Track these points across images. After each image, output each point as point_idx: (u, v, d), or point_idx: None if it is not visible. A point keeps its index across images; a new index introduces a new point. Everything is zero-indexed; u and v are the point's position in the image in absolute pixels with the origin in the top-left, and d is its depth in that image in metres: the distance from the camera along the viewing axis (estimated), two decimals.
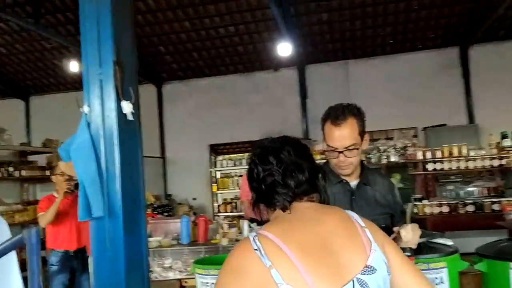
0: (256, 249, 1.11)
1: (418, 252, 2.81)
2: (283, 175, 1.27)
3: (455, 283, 2.79)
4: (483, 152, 6.27)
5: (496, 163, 6.11)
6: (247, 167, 1.42)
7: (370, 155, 7.80)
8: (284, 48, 8.61)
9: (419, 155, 6.37)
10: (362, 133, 1.97)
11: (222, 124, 11.05)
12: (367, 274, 1.16)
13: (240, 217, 7.51)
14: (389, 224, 1.98)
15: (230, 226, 5.69)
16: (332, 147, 1.92)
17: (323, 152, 8.26)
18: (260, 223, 6.17)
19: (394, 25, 9.69)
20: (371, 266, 1.17)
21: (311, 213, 1.26)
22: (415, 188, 7.26)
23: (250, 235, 1.18)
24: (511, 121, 7.16)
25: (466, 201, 6.22)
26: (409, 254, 1.70)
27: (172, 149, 11.46)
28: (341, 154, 1.90)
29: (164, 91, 11.68)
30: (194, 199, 10.99)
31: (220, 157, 9.02)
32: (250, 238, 1.17)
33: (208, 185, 11.16)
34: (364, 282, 1.14)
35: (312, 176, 1.30)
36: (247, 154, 9.40)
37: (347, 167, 1.94)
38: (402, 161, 7.49)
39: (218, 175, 10.10)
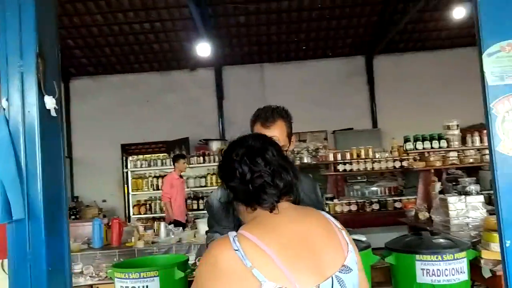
0: (236, 250, 1.12)
1: None
2: (272, 176, 1.26)
3: (368, 276, 2.99)
4: (386, 154, 6.79)
5: (398, 164, 6.66)
6: (221, 164, 1.38)
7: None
8: (203, 49, 8.57)
9: (331, 157, 6.72)
10: (289, 135, 2.03)
11: (135, 123, 10.67)
12: (344, 273, 1.21)
13: (156, 219, 7.32)
14: None
15: (146, 228, 5.52)
16: None
17: None
18: (185, 226, 6.06)
19: (307, 32, 10.12)
20: (347, 266, 1.23)
21: (291, 213, 1.28)
22: (326, 188, 7.66)
23: (230, 235, 1.18)
24: (409, 126, 7.83)
25: (372, 200, 6.70)
26: None
27: (80, 148, 10.80)
28: None
29: (71, 87, 10.97)
30: (104, 201, 10.49)
31: (134, 157, 8.69)
32: (230, 238, 1.16)
33: (120, 186, 10.72)
34: (341, 280, 1.20)
35: (294, 177, 1.32)
36: (163, 154, 9.18)
37: None
38: (314, 162, 7.85)
39: (131, 176, 9.73)
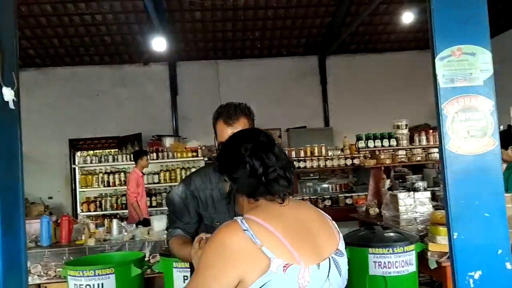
0: (245, 230, 1.21)
1: None
2: (284, 169, 1.36)
3: None
4: (338, 152, 7.00)
5: (349, 162, 6.88)
6: (223, 156, 1.47)
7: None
8: (158, 43, 8.42)
9: None
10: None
11: (84, 118, 10.31)
12: (339, 256, 1.37)
13: (107, 216, 7.13)
14: None
15: (98, 225, 5.36)
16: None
17: (195, 150, 8.31)
18: (145, 224, 5.88)
19: (263, 30, 10.20)
20: (340, 250, 1.40)
21: (290, 202, 1.39)
22: None
23: (237, 219, 1.26)
24: (360, 125, 8.11)
25: (324, 196, 6.88)
26: None
27: (25, 143, 10.16)
28: None
29: None
30: (50, 197, 10.07)
31: (83, 153, 8.38)
32: (238, 221, 1.24)
33: (67, 182, 10.34)
34: (337, 261, 1.35)
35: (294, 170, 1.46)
36: (114, 150, 8.92)
37: None
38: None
39: (80, 172, 9.39)
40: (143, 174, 6.57)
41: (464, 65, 2.07)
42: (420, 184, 4.45)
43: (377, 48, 11.14)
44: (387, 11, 9.72)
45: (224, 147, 1.48)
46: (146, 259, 3.94)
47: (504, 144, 3.76)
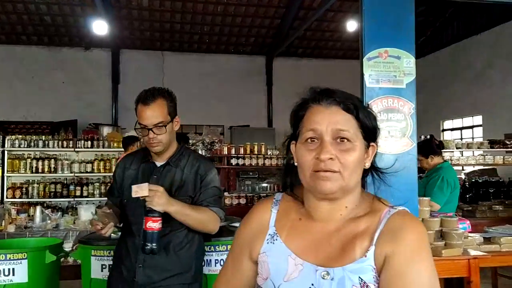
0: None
1: (219, 235, 3.03)
2: None
3: None
4: (277, 152, 7.06)
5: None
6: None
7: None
8: (99, 26, 8.10)
9: (225, 151, 6.79)
10: (172, 114, 2.08)
11: (17, 100, 9.75)
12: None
13: (33, 204, 6.75)
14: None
15: (19, 212, 5.07)
16: (143, 124, 2.00)
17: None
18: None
19: (212, 25, 10.13)
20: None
21: None
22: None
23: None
24: None
25: (260, 195, 6.92)
26: (157, 215, 1.82)
27: None
28: (150, 131, 1.98)
29: None
30: None
31: (12, 136, 7.86)
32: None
33: None
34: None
35: None
36: (45, 136, 8.45)
37: (157, 144, 2.01)
38: (209, 155, 7.87)
39: (7, 156, 8.81)
40: None
41: (389, 67, 2.15)
42: None
43: (322, 54, 11.42)
44: (334, 19, 9.99)
45: None
46: (69, 249, 3.77)
47: (425, 153, 3.97)
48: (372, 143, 1.03)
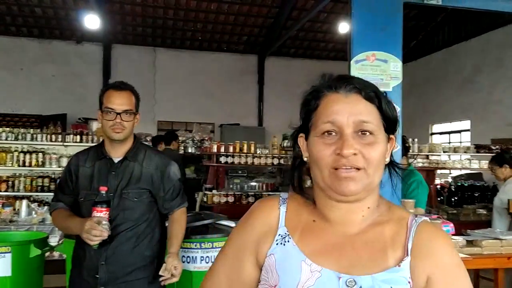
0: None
1: (205, 232, 3.04)
2: None
3: None
4: (266, 151, 7.08)
5: (276, 161, 6.99)
6: None
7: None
8: (91, 20, 8.05)
9: (214, 148, 6.79)
10: (136, 107, 2.12)
11: (5, 93, 9.64)
12: None
13: (19, 198, 6.69)
14: (144, 198, 2.08)
15: (4, 205, 5.02)
16: (111, 108, 2.01)
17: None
18: None
19: (205, 23, 10.11)
20: None
21: None
22: (207, 179, 7.73)
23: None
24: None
25: (248, 193, 6.93)
26: (104, 206, 1.88)
27: None
28: (118, 116, 2.00)
29: None
30: None
31: None
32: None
33: None
34: None
35: None
36: (34, 129, 8.38)
37: (122, 130, 2.02)
38: (198, 153, 7.87)
39: None
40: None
41: (376, 70, 2.18)
42: None
43: (314, 54, 11.46)
44: (326, 20, 10.02)
45: None
46: (55, 243, 3.75)
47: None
48: (391, 135, 0.93)
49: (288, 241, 0.92)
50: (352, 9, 2.15)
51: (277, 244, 0.92)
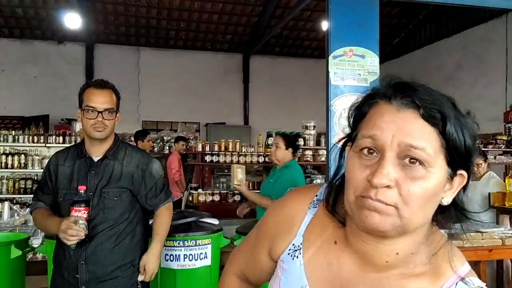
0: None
1: (188, 230, 3.04)
2: None
3: (217, 258, 3.11)
4: (252, 149, 7.09)
5: (261, 159, 7.01)
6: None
7: (154, 144, 7.90)
8: (72, 20, 7.95)
9: (199, 147, 6.78)
10: (117, 105, 2.10)
11: None
12: None
13: (1, 200, 6.59)
14: (124, 197, 2.07)
15: None
16: (92, 107, 1.99)
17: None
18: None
19: (188, 22, 10.08)
20: None
21: None
22: (192, 178, 7.71)
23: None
24: (276, 125, 8.32)
25: (234, 192, 6.94)
26: (82, 205, 1.87)
27: None
28: (100, 115, 1.98)
29: None
30: None
31: None
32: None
33: None
34: None
35: None
36: (16, 131, 8.27)
37: (103, 128, 2.01)
38: (184, 152, 7.84)
39: None
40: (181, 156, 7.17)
41: (354, 65, 2.21)
42: (319, 181, 4.68)
43: (298, 53, 11.50)
44: (310, 18, 10.07)
45: None
46: (38, 245, 3.71)
47: None
48: (460, 171, 0.71)
49: (297, 257, 0.81)
50: (330, 5, 2.17)
51: (288, 254, 0.83)
